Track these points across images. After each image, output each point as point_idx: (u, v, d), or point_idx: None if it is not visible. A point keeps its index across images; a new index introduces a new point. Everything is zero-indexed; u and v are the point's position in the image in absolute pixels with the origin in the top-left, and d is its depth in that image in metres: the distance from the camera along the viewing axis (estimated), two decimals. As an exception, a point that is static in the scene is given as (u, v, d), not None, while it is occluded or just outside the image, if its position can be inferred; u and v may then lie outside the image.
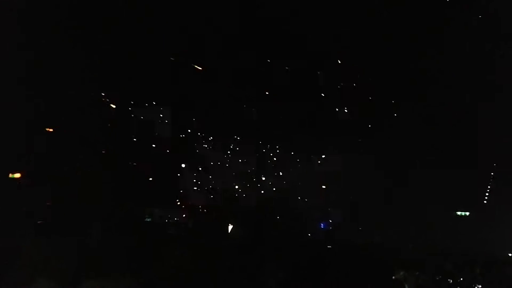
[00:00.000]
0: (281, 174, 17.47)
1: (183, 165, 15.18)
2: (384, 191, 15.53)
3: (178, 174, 14.90)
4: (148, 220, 13.61)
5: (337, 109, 14.91)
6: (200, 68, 12.98)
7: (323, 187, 16.79)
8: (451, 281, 5.43)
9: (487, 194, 17.34)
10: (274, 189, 17.30)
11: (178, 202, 15.17)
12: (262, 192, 17.01)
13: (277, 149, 16.99)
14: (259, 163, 17.08)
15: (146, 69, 11.34)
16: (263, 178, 17.07)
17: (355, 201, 15.52)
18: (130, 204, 11.92)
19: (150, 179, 13.25)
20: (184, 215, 14.88)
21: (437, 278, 5.53)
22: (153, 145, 13.28)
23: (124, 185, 11.82)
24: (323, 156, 16.64)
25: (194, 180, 15.69)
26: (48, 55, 9.57)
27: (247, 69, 12.74)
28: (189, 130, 15.14)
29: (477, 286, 5.45)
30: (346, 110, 15.02)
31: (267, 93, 13.69)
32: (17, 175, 8.84)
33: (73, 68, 9.90)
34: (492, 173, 17.13)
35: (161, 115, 13.47)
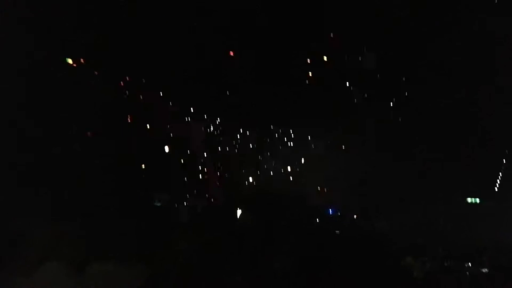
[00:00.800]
0: (289, 160, 17.46)
1: (192, 151, 15.25)
2: (392, 178, 15.45)
3: (187, 159, 15.00)
4: (157, 204, 13.77)
5: (348, 93, 14.77)
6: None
7: (331, 173, 16.76)
8: (459, 267, 5.41)
9: (498, 181, 17.16)
10: (282, 175, 17.32)
11: (187, 187, 15.30)
12: (271, 178, 17.04)
13: (286, 135, 16.95)
14: (267, 149, 17.08)
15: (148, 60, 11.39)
16: (272, 164, 17.08)
17: (363, 187, 15.49)
18: (139, 189, 12.06)
19: (159, 164, 13.36)
20: (192, 200, 15.02)
21: (445, 264, 5.51)
22: (163, 132, 13.36)
23: (134, 170, 11.94)
24: (332, 143, 16.57)
25: (203, 166, 15.77)
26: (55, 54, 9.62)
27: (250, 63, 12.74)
28: (197, 118, 15.18)
29: (484, 270, 5.42)
30: (355, 95, 14.88)
31: (279, 82, 13.64)
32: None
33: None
34: (504, 160, 16.91)
35: (169, 103, 13.54)
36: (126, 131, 11.58)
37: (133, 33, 10.88)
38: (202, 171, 15.85)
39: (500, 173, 16.97)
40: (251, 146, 16.95)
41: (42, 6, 8.74)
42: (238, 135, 16.27)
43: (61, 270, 2.00)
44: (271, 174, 17.21)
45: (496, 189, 17.00)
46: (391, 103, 14.90)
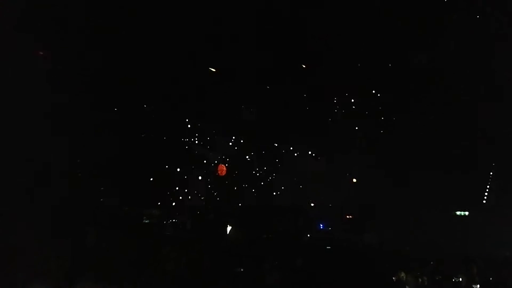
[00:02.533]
0: (280, 175, 17.45)
1: (181, 167, 15.16)
2: (383, 193, 15.53)
3: (176, 176, 14.88)
4: (146, 221, 13.59)
5: (336, 111, 14.93)
6: (214, 70, 13.04)
7: (322, 188, 16.79)
8: (450, 281, 5.41)
9: (486, 194, 17.37)
10: (273, 190, 17.29)
11: (176, 203, 15.15)
12: (261, 193, 16.98)
13: (276, 149, 16.97)
14: (258, 163, 17.06)
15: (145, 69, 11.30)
16: (262, 179, 17.06)
17: (354, 203, 15.52)
18: (129, 206, 11.90)
19: (149, 180, 13.23)
20: (182, 216, 14.85)
21: (437, 278, 5.51)
22: (151, 148, 13.27)
23: (123, 187, 11.80)
24: (323, 158, 16.65)
25: (193, 182, 15.67)
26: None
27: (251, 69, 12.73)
28: (186, 131, 15.13)
29: (475, 286, 5.43)
30: (343, 112, 15.04)
31: (270, 93, 13.68)
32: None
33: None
34: (491, 173, 17.16)
35: (158, 117, 13.48)
36: (113, 146, 11.45)
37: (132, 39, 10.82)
38: (191, 187, 15.74)
39: (488, 187, 17.20)
40: (241, 161, 16.93)
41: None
42: (227, 151, 16.25)
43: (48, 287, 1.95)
44: (262, 189, 17.17)
45: (484, 202, 17.20)
46: (381, 117, 15.10)
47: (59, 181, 9.58)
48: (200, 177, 15.63)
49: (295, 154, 16.73)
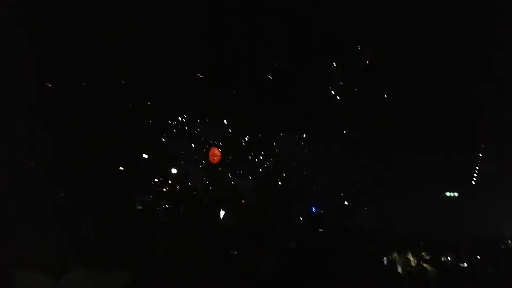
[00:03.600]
0: (272, 159, 17.51)
1: (173, 153, 15.11)
2: (374, 176, 15.71)
3: (169, 162, 14.85)
4: (139, 208, 13.57)
5: (331, 93, 14.93)
6: (202, 76, 12.93)
7: (314, 172, 16.90)
8: (438, 260, 5.52)
9: (475, 175, 17.66)
10: (266, 174, 17.36)
11: (169, 189, 15.15)
12: (254, 178, 17.06)
13: (267, 134, 16.98)
14: (249, 148, 17.08)
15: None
16: (255, 164, 17.10)
17: (346, 185, 15.70)
18: (121, 192, 11.86)
19: (141, 167, 13.18)
20: (175, 202, 14.86)
21: (426, 258, 5.62)
22: (143, 134, 13.17)
23: (115, 173, 11.75)
24: (314, 142, 16.72)
25: (186, 168, 15.65)
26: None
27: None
28: (179, 119, 15.01)
29: (463, 264, 5.56)
30: (337, 97, 15.05)
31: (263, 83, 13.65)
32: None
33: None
34: (480, 155, 17.41)
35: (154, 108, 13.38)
36: (107, 133, 11.36)
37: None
38: (185, 173, 15.73)
39: (477, 169, 17.46)
40: (233, 146, 16.93)
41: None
42: (220, 136, 16.21)
43: (39, 277, 1.93)
44: (255, 174, 17.24)
45: (473, 184, 17.49)
46: (371, 100, 15.14)
47: (47, 170, 9.52)
48: (193, 162, 15.64)
49: (288, 139, 16.80)
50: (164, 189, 14.80)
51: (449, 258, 6.01)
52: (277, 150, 17.09)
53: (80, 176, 10.86)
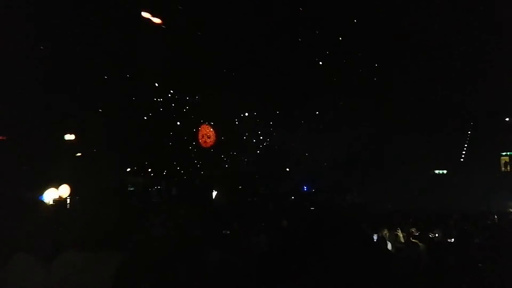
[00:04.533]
0: (262, 138, 17.50)
1: (167, 133, 15.00)
2: (364, 154, 15.86)
3: (163, 142, 14.76)
4: (131, 189, 13.58)
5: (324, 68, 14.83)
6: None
7: (306, 152, 16.99)
8: (426, 236, 5.65)
9: (463, 153, 17.94)
10: (256, 155, 17.39)
11: (161, 170, 15.11)
12: (244, 158, 17.08)
13: (260, 112, 16.90)
14: (241, 128, 17.02)
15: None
16: (245, 144, 17.08)
17: (337, 164, 15.82)
18: (113, 174, 11.82)
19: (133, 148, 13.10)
20: (167, 183, 14.86)
21: (416, 234, 5.74)
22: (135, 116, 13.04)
23: (108, 155, 11.67)
24: (305, 122, 16.74)
25: (179, 148, 15.57)
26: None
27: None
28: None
29: (450, 240, 5.70)
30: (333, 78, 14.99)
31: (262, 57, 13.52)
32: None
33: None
34: (469, 133, 17.63)
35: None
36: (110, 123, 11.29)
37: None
38: (178, 153, 15.67)
39: (465, 147, 17.71)
40: (226, 126, 16.86)
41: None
42: (214, 114, 16.08)
43: (29, 262, 1.93)
44: (246, 154, 17.26)
45: (462, 161, 17.76)
46: (359, 79, 15.12)
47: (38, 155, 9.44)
48: (186, 144, 15.56)
49: (278, 117, 16.78)
50: (156, 170, 14.77)
51: (437, 234, 6.15)
52: (272, 130, 17.07)
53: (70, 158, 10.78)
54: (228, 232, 5.53)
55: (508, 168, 17.57)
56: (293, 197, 15.73)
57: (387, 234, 5.50)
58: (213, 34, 11.91)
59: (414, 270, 3.85)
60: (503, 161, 17.70)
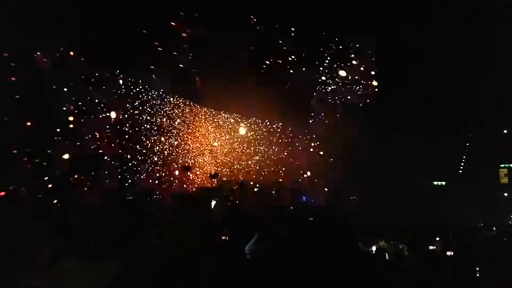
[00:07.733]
0: (261, 149, 17.53)
1: (163, 144, 15.03)
2: (363, 164, 15.84)
3: (160, 152, 14.77)
4: (129, 198, 13.52)
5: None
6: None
7: (304, 162, 17.00)
8: (426, 249, 5.63)
9: (462, 165, 17.93)
10: (255, 165, 17.40)
11: (160, 180, 15.09)
12: (244, 168, 17.08)
13: (259, 124, 16.97)
14: (240, 139, 17.06)
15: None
16: (245, 154, 17.11)
17: (335, 175, 15.81)
18: (112, 183, 11.79)
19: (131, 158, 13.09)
20: (166, 192, 14.82)
21: (414, 246, 5.72)
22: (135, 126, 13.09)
23: (105, 164, 11.66)
24: (303, 132, 16.79)
25: (176, 157, 15.59)
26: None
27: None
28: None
29: (449, 253, 5.67)
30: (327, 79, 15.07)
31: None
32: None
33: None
34: (467, 145, 17.66)
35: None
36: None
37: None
38: (175, 162, 15.67)
39: (464, 158, 17.73)
40: (224, 137, 16.91)
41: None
42: (211, 126, 16.14)
43: (26, 269, 1.92)
44: (245, 165, 17.26)
45: (460, 173, 17.77)
46: (357, 90, 15.20)
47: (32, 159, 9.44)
48: (182, 153, 15.59)
49: (277, 129, 16.83)
50: (156, 180, 14.75)
51: (436, 246, 6.13)
52: (263, 142, 17.13)
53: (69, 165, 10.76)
54: (226, 238, 5.53)
55: (507, 180, 17.55)
56: (291, 207, 15.67)
57: (385, 245, 5.49)
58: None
59: (412, 282, 3.84)
60: (502, 173, 17.69)
